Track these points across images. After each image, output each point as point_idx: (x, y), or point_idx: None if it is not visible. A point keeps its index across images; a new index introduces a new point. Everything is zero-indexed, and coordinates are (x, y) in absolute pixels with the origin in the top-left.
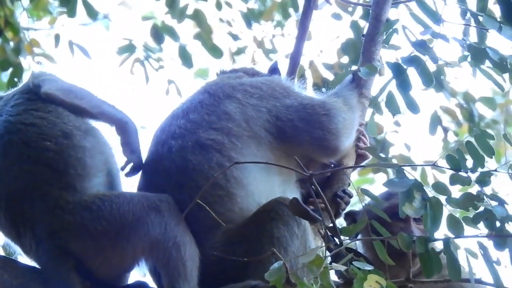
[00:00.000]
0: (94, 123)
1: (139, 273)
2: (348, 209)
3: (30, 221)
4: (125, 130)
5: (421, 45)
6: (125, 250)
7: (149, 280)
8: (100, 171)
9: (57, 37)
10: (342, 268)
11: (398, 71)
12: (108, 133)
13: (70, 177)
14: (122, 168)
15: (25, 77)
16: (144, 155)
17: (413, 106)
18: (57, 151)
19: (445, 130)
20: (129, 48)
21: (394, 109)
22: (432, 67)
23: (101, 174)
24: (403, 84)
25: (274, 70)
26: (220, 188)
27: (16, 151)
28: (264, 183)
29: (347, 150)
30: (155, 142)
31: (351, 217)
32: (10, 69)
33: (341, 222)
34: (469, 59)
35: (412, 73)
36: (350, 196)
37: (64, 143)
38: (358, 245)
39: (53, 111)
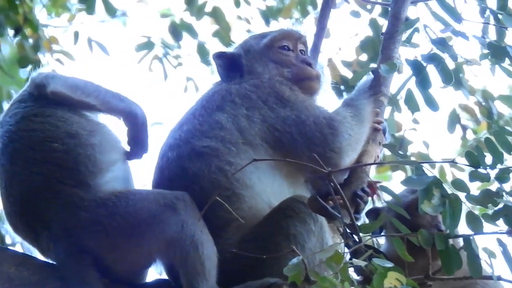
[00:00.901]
0: (101, 119)
1: (156, 271)
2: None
3: (46, 220)
4: (132, 122)
5: (441, 43)
6: (140, 247)
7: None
8: (113, 165)
9: (76, 34)
10: (362, 263)
11: (418, 69)
12: (116, 127)
13: (82, 174)
14: (127, 159)
15: None
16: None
17: (432, 104)
18: (65, 151)
19: (464, 128)
20: (148, 45)
21: (413, 107)
22: (451, 65)
23: (114, 168)
24: (423, 81)
25: None
26: (226, 189)
27: (23, 156)
28: (271, 185)
29: (347, 165)
30: (159, 156)
31: (374, 213)
32: (29, 66)
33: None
34: (489, 56)
35: (430, 71)
36: (369, 195)
37: (72, 142)
38: (376, 242)
39: (51, 115)
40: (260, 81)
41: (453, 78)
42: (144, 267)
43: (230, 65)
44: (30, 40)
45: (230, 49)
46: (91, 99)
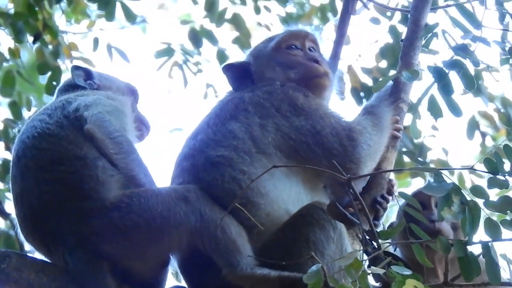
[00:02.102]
0: None
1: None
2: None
3: (59, 235)
4: None
5: (462, 49)
6: (158, 243)
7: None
8: (114, 175)
9: (95, 41)
10: (381, 271)
11: (440, 75)
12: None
13: (85, 191)
14: None
15: (63, 80)
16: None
17: (455, 109)
18: (71, 172)
19: (483, 134)
20: (168, 52)
21: (436, 113)
22: (471, 71)
23: (115, 172)
24: (445, 87)
25: None
26: (240, 198)
27: (33, 175)
28: (287, 192)
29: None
30: (175, 165)
31: None
32: (49, 73)
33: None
34: (510, 61)
35: (451, 77)
36: (389, 201)
37: (78, 165)
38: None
39: (65, 138)
40: (272, 88)
41: (475, 84)
42: (162, 266)
43: (240, 75)
44: (50, 47)
45: (241, 58)
46: (116, 158)
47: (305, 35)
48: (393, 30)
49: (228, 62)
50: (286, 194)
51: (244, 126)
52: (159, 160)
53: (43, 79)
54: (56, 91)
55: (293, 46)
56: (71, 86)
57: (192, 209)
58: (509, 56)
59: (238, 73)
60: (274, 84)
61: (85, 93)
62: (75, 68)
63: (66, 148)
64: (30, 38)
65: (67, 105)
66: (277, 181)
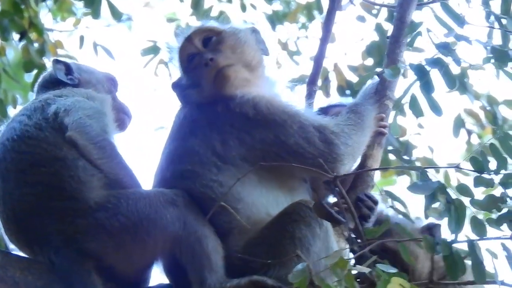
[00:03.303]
0: None
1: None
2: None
3: (43, 236)
4: None
5: (445, 47)
6: (145, 245)
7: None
8: (94, 174)
9: (81, 38)
10: (366, 270)
11: (421, 73)
12: None
13: (67, 191)
14: None
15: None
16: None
17: (436, 108)
18: (51, 173)
19: (469, 132)
20: (153, 50)
21: (417, 111)
22: (455, 69)
23: (96, 172)
24: (426, 86)
25: None
26: (219, 204)
27: (14, 178)
28: (265, 196)
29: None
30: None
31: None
32: (35, 71)
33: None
34: (492, 61)
35: (436, 75)
36: (375, 201)
37: (58, 166)
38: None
39: (44, 140)
40: (217, 108)
41: (456, 82)
42: (147, 266)
43: (183, 90)
44: (36, 44)
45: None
46: (101, 163)
47: (191, 38)
48: (379, 28)
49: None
50: (264, 198)
51: (204, 143)
52: (145, 157)
53: (29, 77)
54: (36, 86)
55: (192, 55)
56: (51, 82)
57: (178, 214)
58: (491, 56)
59: (181, 89)
60: (218, 105)
61: (64, 93)
62: (56, 61)
63: (45, 149)
64: (16, 36)
65: (46, 106)
66: (251, 188)
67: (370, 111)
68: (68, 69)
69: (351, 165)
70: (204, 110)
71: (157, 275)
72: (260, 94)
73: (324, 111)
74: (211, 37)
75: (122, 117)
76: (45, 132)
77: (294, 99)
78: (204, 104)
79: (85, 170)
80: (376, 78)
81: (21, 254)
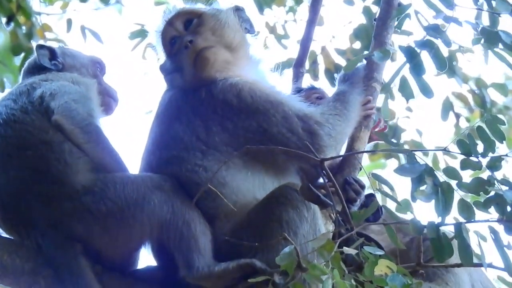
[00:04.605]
0: None
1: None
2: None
3: (30, 220)
4: None
5: (434, 29)
6: (132, 229)
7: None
8: (81, 157)
9: (69, 22)
10: (353, 252)
11: (411, 55)
12: None
13: (54, 174)
14: None
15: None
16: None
17: (426, 90)
18: (38, 156)
19: (457, 116)
20: (141, 33)
21: (407, 94)
22: (444, 52)
23: (82, 154)
24: (417, 68)
25: None
26: (203, 187)
27: (0, 161)
28: (250, 180)
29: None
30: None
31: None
32: (22, 54)
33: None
34: (482, 42)
35: (425, 58)
36: (362, 185)
37: (44, 148)
38: None
39: (30, 124)
40: (200, 94)
41: (447, 64)
42: (135, 250)
43: (169, 73)
44: (24, 28)
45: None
46: (87, 147)
47: (172, 22)
48: (366, 11)
49: (161, 64)
50: (250, 183)
51: (189, 129)
52: (134, 142)
53: (18, 61)
54: (22, 72)
55: (173, 39)
56: (36, 68)
57: (165, 198)
58: (480, 37)
59: (167, 72)
60: (201, 91)
61: (49, 78)
62: (40, 47)
63: (31, 133)
64: (3, 20)
65: (32, 90)
66: (236, 173)
67: (356, 100)
68: (52, 54)
69: (334, 154)
70: (188, 95)
71: (146, 257)
72: (243, 79)
73: (300, 92)
74: (192, 19)
75: (108, 101)
76: (31, 116)
77: (280, 84)
78: (188, 89)
79: (71, 153)
80: (365, 62)
81: (9, 237)
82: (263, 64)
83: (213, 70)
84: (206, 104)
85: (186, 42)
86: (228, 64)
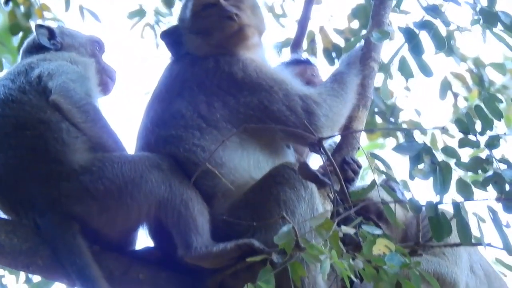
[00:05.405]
0: None
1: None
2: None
3: (28, 200)
4: None
5: (433, 9)
6: (130, 208)
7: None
8: (78, 136)
9: (67, 2)
10: (352, 231)
11: (410, 35)
12: None
13: (52, 153)
14: None
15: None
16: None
17: (426, 70)
18: (35, 136)
19: (455, 95)
20: (140, 13)
21: (407, 73)
22: (442, 32)
23: (80, 134)
24: (416, 48)
25: None
26: (200, 166)
27: None
28: (246, 160)
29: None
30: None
31: None
32: (21, 34)
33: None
34: (480, 22)
35: (423, 37)
36: (359, 165)
37: (42, 128)
38: None
39: (27, 103)
40: (208, 65)
41: (446, 43)
42: (132, 230)
43: (176, 41)
44: (22, 8)
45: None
46: (85, 127)
47: None
48: None
49: (165, 29)
50: (245, 163)
51: (191, 105)
52: (132, 122)
53: (17, 40)
54: (20, 52)
55: (209, 4)
56: (35, 47)
57: (163, 178)
58: (479, 17)
59: (173, 39)
60: (209, 60)
61: (47, 57)
62: (39, 27)
63: (29, 112)
64: (2, 0)
65: (30, 70)
66: (232, 152)
67: (353, 81)
68: (51, 33)
69: (331, 133)
70: (195, 64)
71: (143, 238)
72: (252, 58)
73: (298, 63)
74: None
75: (106, 80)
76: (29, 95)
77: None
78: (196, 59)
79: (69, 132)
80: (363, 42)
81: (6, 217)
82: (267, 49)
83: (245, 48)
84: (211, 76)
85: (231, 13)
86: (254, 46)
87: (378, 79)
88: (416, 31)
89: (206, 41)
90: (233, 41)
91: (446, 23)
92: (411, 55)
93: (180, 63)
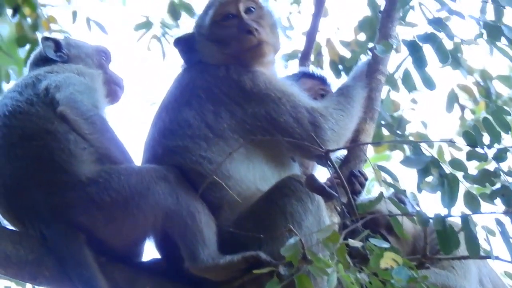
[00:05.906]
0: None
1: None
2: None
3: (34, 210)
4: None
5: (437, 22)
6: (136, 220)
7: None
8: (86, 148)
9: (74, 13)
10: (359, 244)
11: (414, 48)
12: None
13: (58, 164)
14: None
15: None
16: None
17: (429, 83)
18: (42, 146)
19: (462, 107)
20: (146, 25)
21: (410, 86)
22: (449, 44)
23: (87, 145)
24: (419, 61)
25: None
26: (207, 178)
27: (5, 152)
28: (252, 172)
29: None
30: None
31: None
32: (28, 46)
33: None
34: (484, 36)
35: (429, 50)
36: (366, 178)
37: (49, 138)
38: None
39: (35, 114)
40: (218, 73)
41: (449, 57)
42: (139, 241)
43: (189, 48)
44: (29, 20)
45: (190, 28)
46: (92, 138)
47: (238, 0)
48: (372, 3)
49: (179, 35)
50: (252, 174)
51: (199, 114)
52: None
53: (23, 52)
54: (28, 65)
55: (230, 15)
56: (42, 60)
57: (170, 189)
58: (483, 31)
59: (187, 46)
60: (220, 68)
61: (55, 69)
62: (45, 39)
63: (36, 123)
64: (9, 11)
65: (37, 82)
66: (238, 164)
67: (359, 95)
68: (57, 45)
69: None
70: (205, 73)
71: (150, 250)
72: (263, 71)
73: (307, 76)
74: (253, 8)
75: (114, 89)
76: (36, 107)
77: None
78: (208, 67)
79: (76, 143)
80: (370, 54)
81: (13, 228)
82: (278, 63)
83: (260, 64)
84: (220, 84)
85: (252, 28)
86: (268, 63)
87: (384, 92)
88: (420, 44)
89: (222, 50)
90: (250, 55)
91: (450, 37)
92: (414, 68)
93: (192, 71)
